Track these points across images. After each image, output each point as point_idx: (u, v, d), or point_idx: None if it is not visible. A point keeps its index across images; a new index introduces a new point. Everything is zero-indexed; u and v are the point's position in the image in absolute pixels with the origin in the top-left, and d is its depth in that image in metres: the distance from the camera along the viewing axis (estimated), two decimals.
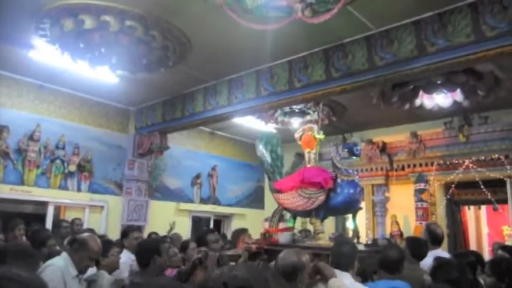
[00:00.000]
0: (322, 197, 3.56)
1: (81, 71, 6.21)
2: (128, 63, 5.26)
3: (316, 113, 7.75)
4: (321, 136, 4.00)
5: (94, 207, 7.63)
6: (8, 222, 5.33)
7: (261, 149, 4.15)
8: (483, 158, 7.47)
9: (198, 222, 9.62)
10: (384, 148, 8.80)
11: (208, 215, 9.84)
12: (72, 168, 7.34)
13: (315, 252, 3.29)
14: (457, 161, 7.76)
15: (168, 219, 8.37)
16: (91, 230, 5.63)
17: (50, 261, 2.99)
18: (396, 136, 8.74)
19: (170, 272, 3.58)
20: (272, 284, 1.47)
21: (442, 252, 4.13)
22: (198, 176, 9.57)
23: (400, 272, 3.02)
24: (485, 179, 7.45)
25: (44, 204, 7.06)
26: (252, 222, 8.21)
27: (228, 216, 10.28)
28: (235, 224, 9.44)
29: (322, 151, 8.39)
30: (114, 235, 6.40)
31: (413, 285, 2.99)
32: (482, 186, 7.45)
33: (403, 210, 8.48)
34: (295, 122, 7.92)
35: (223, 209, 10.05)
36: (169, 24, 4.92)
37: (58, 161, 7.18)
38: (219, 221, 10.30)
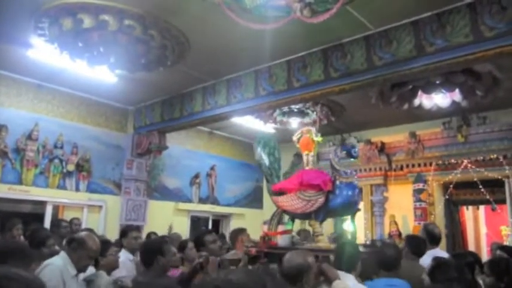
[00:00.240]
0: (321, 199, 3.57)
1: (80, 70, 6.20)
2: (126, 62, 5.26)
3: (314, 112, 7.75)
4: (318, 138, 4.01)
5: (92, 206, 7.62)
6: (6, 221, 5.32)
7: (259, 152, 4.14)
8: (481, 158, 7.48)
9: (197, 222, 9.62)
10: (382, 148, 8.80)
11: (206, 215, 9.84)
12: (71, 167, 7.33)
13: (315, 255, 3.29)
14: (455, 161, 7.77)
15: (166, 219, 8.38)
16: (90, 230, 5.63)
17: (48, 261, 2.99)
18: (395, 136, 8.74)
19: (173, 273, 3.58)
20: None
21: (440, 251, 4.17)
22: (196, 176, 9.57)
23: (398, 269, 3.04)
24: (484, 179, 7.45)
25: (42, 203, 7.05)
26: (251, 222, 8.21)
27: (226, 216, 10.28)
28: (234, 224, 9.44)
29: (320, 151, 8.44)
30: (113, 235, 6.40)
31: (412, 284, 3.00)
32: (480, 186, 7.46)
33: (401, 210, 8.48)
34: (294, 122, 7.92)
35: (222, 208, 10.04)
36: (167, 23, 4.92)
37: (56, 161, 7.17)
38: (218, 221, 10.29)
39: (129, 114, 8.39)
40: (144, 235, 6.53)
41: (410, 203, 8.08)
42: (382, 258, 3.11)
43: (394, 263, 3.07)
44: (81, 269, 3.03)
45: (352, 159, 3.91)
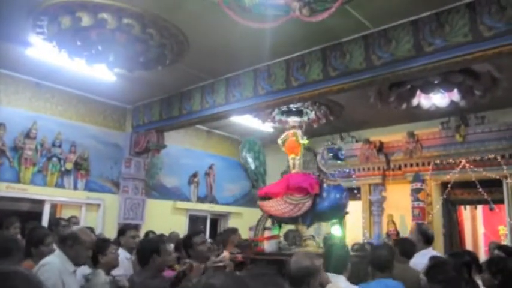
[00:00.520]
0: (308, 203, 3.50)
1: (78, 68, 6.19)
2: (125, 61, 5.25)
3: (313, 112, 7.74)
4: (304, 141, 3.95)
5: (90, 205, 7.61)
6: (4, 220, 5.30)
7: (244, 156, 4.07)
8: (480, 158, 7.49)
9: (195, 221, 9.62)
10: (380, 148, 8.81)
11: (205, 214, 9.84)
12: (69, 166, 7.32)
13: None
14: (453, 161, 7.78)
15: (165, 218, 8.39)
16: (90, 229, 5.62)
17: (44, 260, 2.97)
18: (393, 136, 8.75)
19: (168, 273, 3.57)
20: None
21: (433, 251, 4.19)
22: (195, 175, 9.57)
23: (391, 270, 3.03)
24: (482, 179, 7.46)
25: (41, 202, 7.04)
26: (249, 221, 8.18)
27: (225, 215, 10.28)
28: (232, 223, 9.43)
29: (318, 151, 8.43)
30: (111, 233, 6.39)
31: (408, 285, 3.01)
32: (478, 186, 7.47)
33: (399, 209, 8.49)
34: (293, 121, 7.91)
35: (220, 207, 10.04)
36: (166, 22, 4.91)
37: (54, 159, 7.16)
38: (216, 220, 10.29)
39: (128, 113, 8.38)
40: (142, 234, 6.52)
41: (408, 203, 8.08)
42: (376, 259, 3.09)
43: (388, 263, 3.06)
44: (81, 263, 3.05)
45: (339, 162, 3.85)
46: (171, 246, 4.07)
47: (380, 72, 4.97)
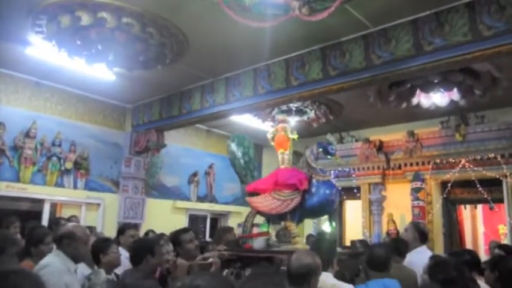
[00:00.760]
0: (297, 199, 3.39)
1: (78, 68, 6.19)
2: (124, 60, 5.25)
3: (313, 111, 7.75)
4: (294, 136, 3.85)
5: (90, 204, 7.61)
6: (4, 219, 5.30)
7: (233, 150, 3.94)
8: (479, 157, 7.49)
9: (195, 221, 9.62)
10: (380, 147, 8.81)
11: (205, 213, 9.84)
12: (69, 165, 7.31)
13: None
14: (453, 160, 7.78)
15: (164, 217, 8.38)
16: (91, 228, 5.64)
17: (44, 262, 2.92)
18: (393, 135, 8.76)
19: None
20: None
21: (428, 249, 4.22)
22: (195, 174, 9.57)
23: (389, 270, 3.00)
24: (482, 178, 7.47)
25: (40, 201, 7.03)
26: None
27: (225, 215, 10.27)
28: (232, 222, 9.42)
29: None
30: (111, 233, 6.38)
31: (405, 284, 2.99)
32: (478, 186, 7.48)
33: (399, 209, 8.49)
34: (293, 121, 7.93)
35: (220, 207, 10.04)
36: (166, 21, 4.91)
37: (54, 158, 7.16)
38: (216, 219, 10.29)
39: (128, 112, 8.38)
40: (142, 233, 6.52)
41: (408, 202, 8.09)
42: (374, 258, 3.04)
43: (385, 263, 3.02)
44: (82, 259, 3.05)
45: (329, 157, 3.72)
46: (170, 246, 4.04)
47: (380, 72, 4.97)
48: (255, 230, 3.66)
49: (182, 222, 9.01)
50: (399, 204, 8.48)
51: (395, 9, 4.60)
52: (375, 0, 4.44)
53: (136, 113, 8.26)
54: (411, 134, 8.28)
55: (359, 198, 8.97)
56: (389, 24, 4.87)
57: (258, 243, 3.52)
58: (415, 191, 7.96)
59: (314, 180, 3.45)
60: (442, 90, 6.29)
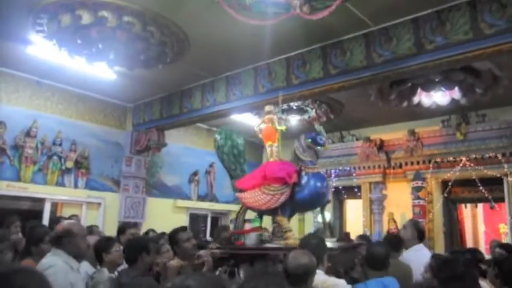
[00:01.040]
0: (287, 193, 3.30)
1: (79, 67, 6.19)
2: (125, 59, 5.24)
3: (313, 110, 7.74)
4: (282, 127, 3.75)
5: (91, 204, 7.62)
6: (4, 219, 5.30)
7: (221, 145, 3.83)
8: (480, 156, 7.48)
9: (196, 220, 9.62)
10: (381, 146, 8.80)
11: (205, 212, 9.85)
12: (69, 164, 7.32)
13: (283, 253, 2.98)
14: (454, 159, 7.77)
15: (165, 216, 8.37)
16: (94, 227, 5.64)
17: (45, 263, 2.86)
18: (394, 134, 8.75)
19: None
20: None
21: (424, 247, 4.24)
22: (195, 173, 9.57)
23: (387, 268, 2.98)
24: (482, 177, 7.46)
25: (41, 200, 7.04)
26: None
27: (225, 214, 10.27)
28: None
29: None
30: (111, 232, 6.38)
31: (401, 279, 2.98)
32: (479, 184, 7.47)
33: (400, 208, 8.48)
34: (293, 119, 7.93)
35: (220, 206, 10.04)
36: (167, 20, 4.91)
37: (55, 158, 7.16)
38: (217, 218, 10.30)
39: (128, 111, 8.38)
40: (142, 232, 6.52)
41: (409, 201, 8.08)
42: (374, 257, 3.00)
43: (385, 261, 2.99)
44: (83, 254, 3.04)
45: (319, 148, 3.59)
46: (167, 246, 4.03)
47: (381, 70, 4.96)
48: (247, 226, 3.56)
49: (183, 221, 9.00)
50: (400, 203, 8.47)
51: (397, 7, 4.60)
52: None
53: (137, 112, 8.26)
54: (412, 132, 8.27)
55: (360, 197, 8.96)
56: (390, 23, 4.86)
57: (249, 240, 3.42)
58: (416, 190, 7.96)
59: (304, 173, 3.36)
60: (443, 88, 6.28)
